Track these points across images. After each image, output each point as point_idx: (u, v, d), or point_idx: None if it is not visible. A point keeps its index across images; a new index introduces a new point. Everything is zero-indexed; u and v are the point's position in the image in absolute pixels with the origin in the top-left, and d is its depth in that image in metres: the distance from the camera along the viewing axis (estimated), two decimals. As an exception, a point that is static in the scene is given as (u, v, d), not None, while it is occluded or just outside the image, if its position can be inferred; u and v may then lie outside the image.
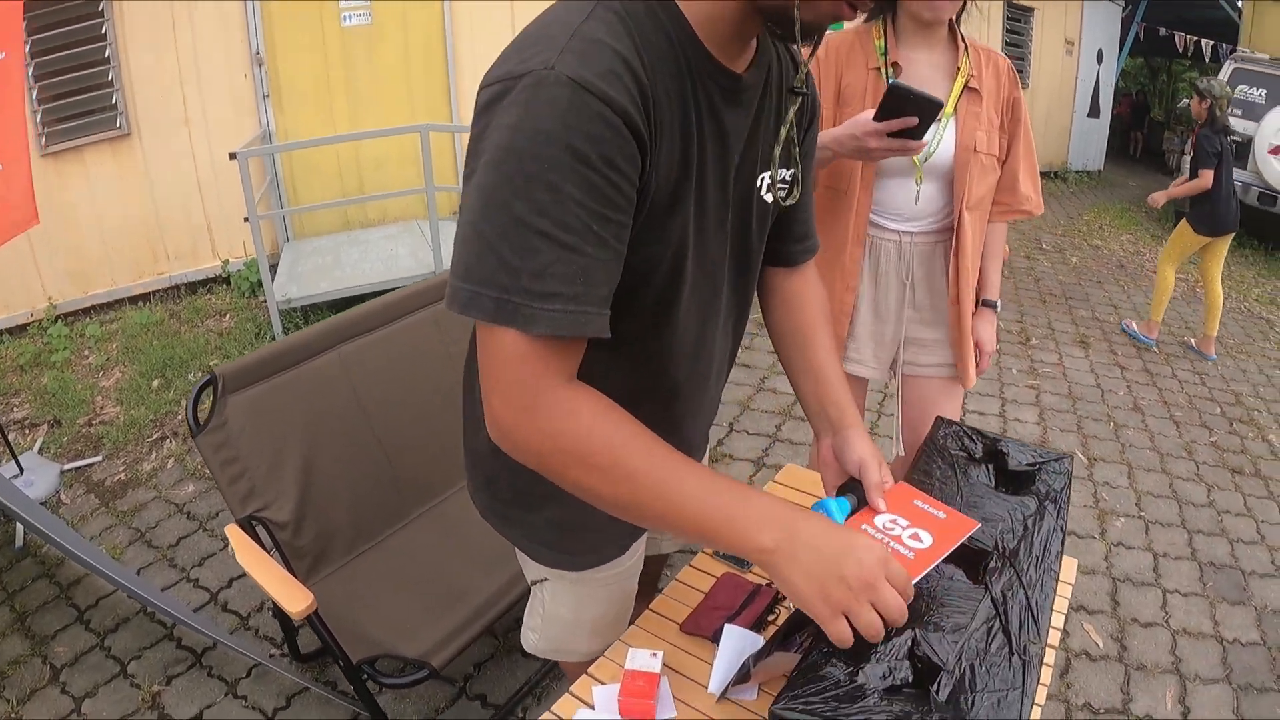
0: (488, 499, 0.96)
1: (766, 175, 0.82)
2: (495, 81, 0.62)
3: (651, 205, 0.67)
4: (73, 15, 3.68)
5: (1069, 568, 1.31)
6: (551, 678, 1.89)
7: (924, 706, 0.69)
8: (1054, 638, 1.18)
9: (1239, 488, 2.96)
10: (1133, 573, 2.40)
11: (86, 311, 3.98)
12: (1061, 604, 1.21)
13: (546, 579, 1.02)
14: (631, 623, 1.10)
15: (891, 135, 1.23)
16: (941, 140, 1.50)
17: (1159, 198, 4.19)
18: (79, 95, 3.77)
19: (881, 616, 0.66)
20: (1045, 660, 0.81)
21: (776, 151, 0.80)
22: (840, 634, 0.66)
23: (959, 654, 0.75)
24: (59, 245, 3.82)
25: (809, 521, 0.68)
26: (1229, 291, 5.14)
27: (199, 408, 1.54)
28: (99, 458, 2.80)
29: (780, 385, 3.46)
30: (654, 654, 0.96)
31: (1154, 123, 13.47)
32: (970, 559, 0.96)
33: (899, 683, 0.73)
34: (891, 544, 0.79)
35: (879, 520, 0.82)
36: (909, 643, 0.77)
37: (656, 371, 0.82)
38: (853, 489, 0.86)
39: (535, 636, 1.10)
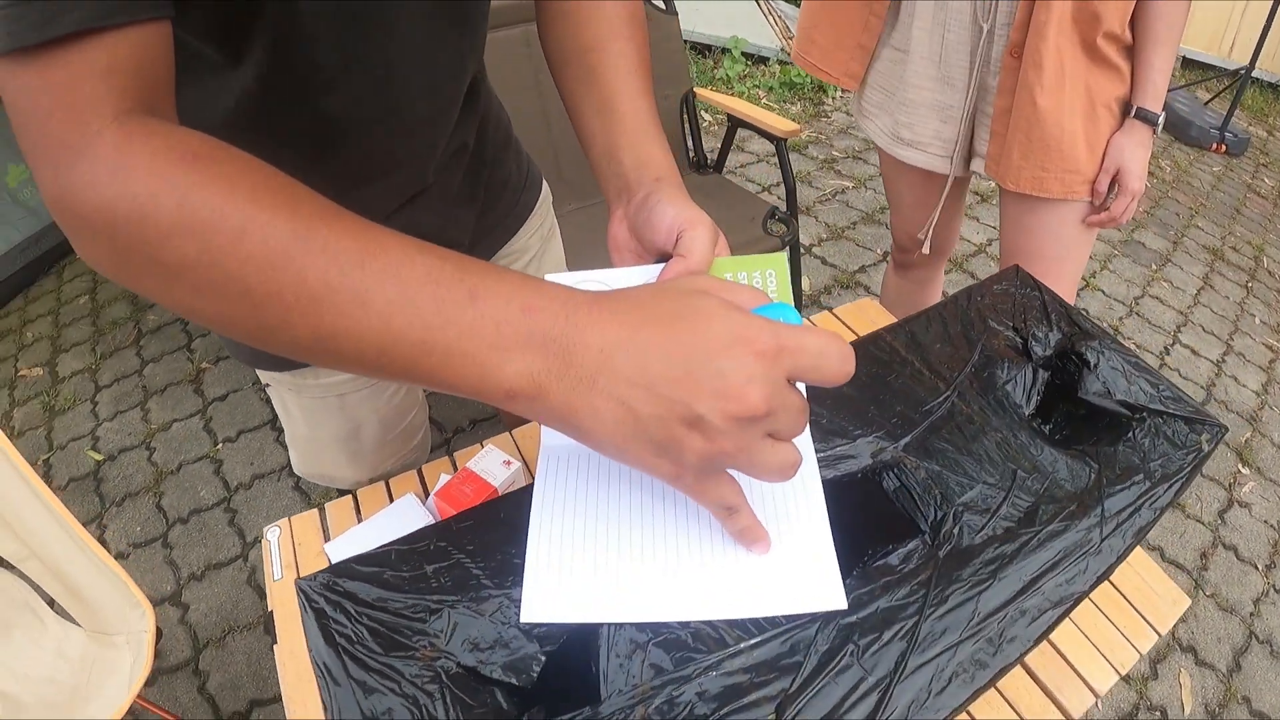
0: None
1: None
2: None
3: None
4: None
5: (1172, 603, 0.72)
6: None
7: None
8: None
9: None
10: (1241, 544, 2.00)
11: None
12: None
13: (269, 383, 0.83)
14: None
15: None
16: None
17: None
18: None
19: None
20: None
21: None
22: (735, 520, 0.43)
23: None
24: None
25: (597, 309, 0.37)
26: None
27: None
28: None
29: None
30: (508, 462, 0.77)
31: None
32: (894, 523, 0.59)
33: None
34: None
35: None
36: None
37: (293, 111, 0.55)
38: None
39: (294, 455, 0.94)
